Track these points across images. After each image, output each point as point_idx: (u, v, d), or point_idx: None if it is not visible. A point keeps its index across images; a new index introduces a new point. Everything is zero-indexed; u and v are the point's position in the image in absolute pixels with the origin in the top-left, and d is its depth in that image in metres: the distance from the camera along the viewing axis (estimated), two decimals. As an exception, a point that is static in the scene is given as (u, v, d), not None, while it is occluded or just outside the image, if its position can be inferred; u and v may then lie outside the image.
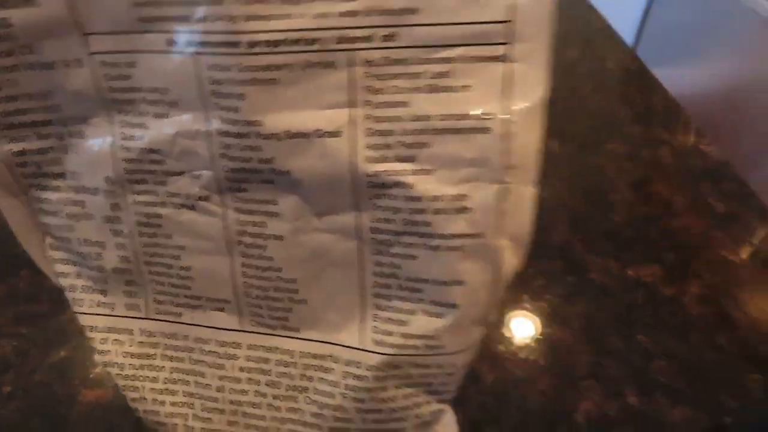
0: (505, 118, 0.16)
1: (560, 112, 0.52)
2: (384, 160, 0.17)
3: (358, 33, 0.16)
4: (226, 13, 0.16)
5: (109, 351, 0.21)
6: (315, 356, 0.20)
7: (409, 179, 0.17)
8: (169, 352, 0.21)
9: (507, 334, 0.35)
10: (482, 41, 0.16)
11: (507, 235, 0.18)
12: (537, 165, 0.17)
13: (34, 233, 0.21)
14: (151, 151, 0.18)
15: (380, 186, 0.17)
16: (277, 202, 0.18)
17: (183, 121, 0.18)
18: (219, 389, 0.21)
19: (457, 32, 0.16)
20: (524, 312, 0.36)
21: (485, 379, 0.32)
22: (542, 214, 0.44)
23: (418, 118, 0.17)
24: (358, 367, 0.20)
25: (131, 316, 0.21)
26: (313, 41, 0.16)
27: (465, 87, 0.16)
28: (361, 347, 0.19)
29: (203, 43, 0.16)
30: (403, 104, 0.16)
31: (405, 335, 0.19)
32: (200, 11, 0.16)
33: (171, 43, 0.17)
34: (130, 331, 0.21)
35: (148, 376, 0.21)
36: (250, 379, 0.21)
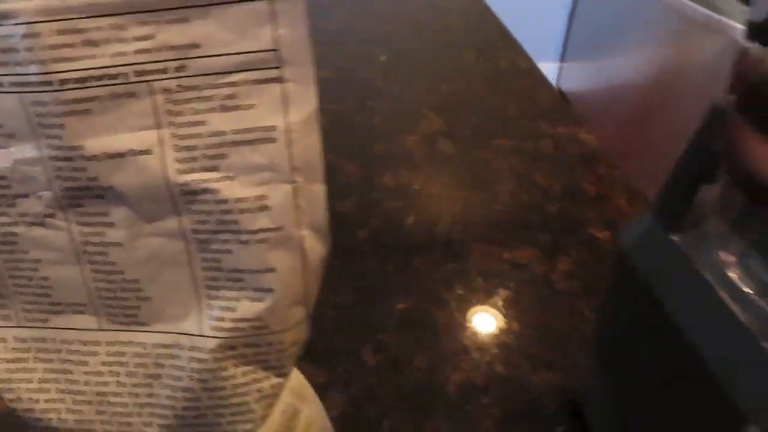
0: (287, 129, 0.20)
1: (454, 113, 0.56)
2: (192, 171, 0.20)
3: (153, 66, 0.19)
4: (38, 57, 0.19)
5: (-14, 359, 0.24)
6: (164, 346, 0.23)
7: (215, 185, 0.20)
8: (40, 355, 0.24)
9: (389, 320, 0.38)
10: (258, 67, 0.19)
11: (307, 227, 0.21)
12: (321, 165, 0.21)
13: None
14: (1, 178, 0.21)
15: (192, 193, 0.20)
16: (110, 213, 0.21)
17: (20, 150, 0.20)
18: (86, 383, 0.24)
19: (236, 60, 0.19)
20: (406, 297, 0.39)
21: (368, 361, 0.36)
22: (429, 208, 0.48)
23: (215, 134, 0.20)
24: (200, 352, 0.22)
25: (4, 325, 0.24)
26: (115, 76, 0.19)
27: (250, 105, 0.19)
28: (200, 334, 0.22)
29: (23, 84, 0.19)
30: (202, 123, 0.20)
31: (234, 320, 0.22)
32: (17, 57, 0.19)
33: (1, 84, 0.19)
34: (4, 339, 0.24)
35: (22, 378, 0.24)
36: (110, 371, 0.23)
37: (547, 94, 0.58)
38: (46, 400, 0.24)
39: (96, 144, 0.20)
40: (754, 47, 0.19)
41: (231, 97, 0.19)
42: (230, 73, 0.19)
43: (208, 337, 0.22)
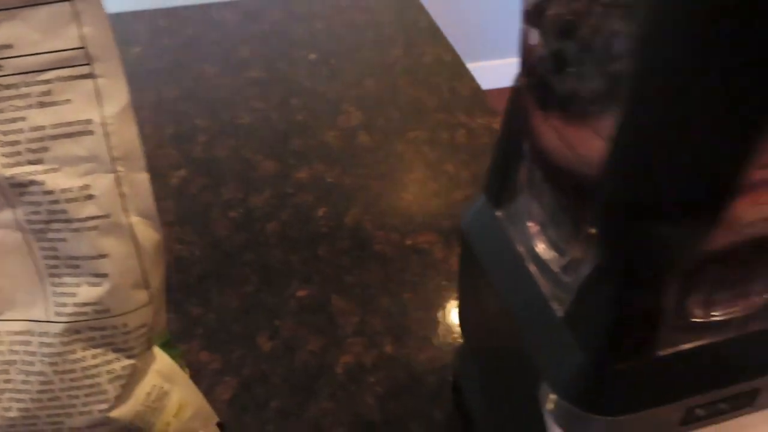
0: (103, 121, 0.21)
1: (375, 107, 0.57)
2: (17, 164, 0.21)
3: (-29, 67, 0.20)
4: None
5: None
6: (17, 333, 0.24)
7: (41, 177, 0.21)
8: None
9: (288, 307, 0.39)
10: (70, 64, 0.20)
11: (135, 213, 0.22)
12: (142, 155, 0.22)
13: None
14: None
15: (20, 185, 0.21)
16: (-49, 207, 0.22)
17: None
18: (-47, 372, 0.25)
19: (48, 59, 0.20)
20: (308, 285, 0.41)
21: (262, 346, 0.37)
22: (340, 200, 0.49)
23: (36, 129, 0.21)
24: (48, 337, 0.24)
25: None
26: (-63, 77, 0.20)
27: (66, 101, 0.21)
28: (47, 320, 0.24)
29: None
30: (22, 119, 0.21)
31: (76, 304, 0.23)
32: None
33: None
34: None
35: None
36: (-29, 359, 0.25)
37: (467, 87, 0.60)
38: None
39: (-73, 141, 0.21)
40: (533, 30, 0.20)
41: (47, 93, 0.21)
42: (44, 71, 0.20)
43: (54, 322, 0.24)
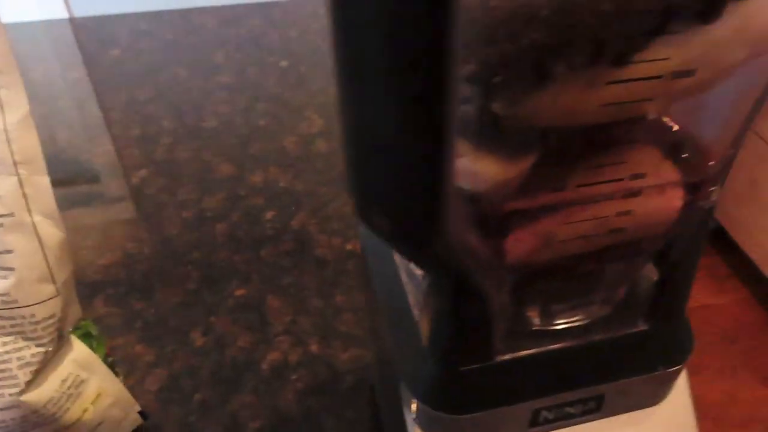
0: (5, 128, 0.23)
1: (336, 114, 0.59)
2: (-72, 165, 0.23)
3: None
4: None
5: None
6: (-63, 320, 0.26)
7: (-51, 178, 0.23)
8: None
9: (225, 305, 0.41)
10: (-27, 76, 0.22)
11: (38, 213, 0.24)
12: (42, 160, 0.24)
13: None
14: None
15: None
16: None
17: None
18: None
19: (-46, 71, 0.22)
20: (246, 285, 0.42)
21: (195, 341, 0.39)
22: (290, 204, 0.51)
23: (-54, 133, 0.23)
24: (-38, 323, 0.26)
25: None
26: None
27: (-28, 110, 0.23)
28: (-38, 308, 0.26)
29: None
30: (-68, 123, 0.23)
31: (-13, 295, 0.25)
32: None
33: None
34: None
35: None
36: None
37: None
38: None
39: None
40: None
41: (-46, 102, 0.23)
42: (-49, 83, 0.22)
43: (-33, 310, 0.26)
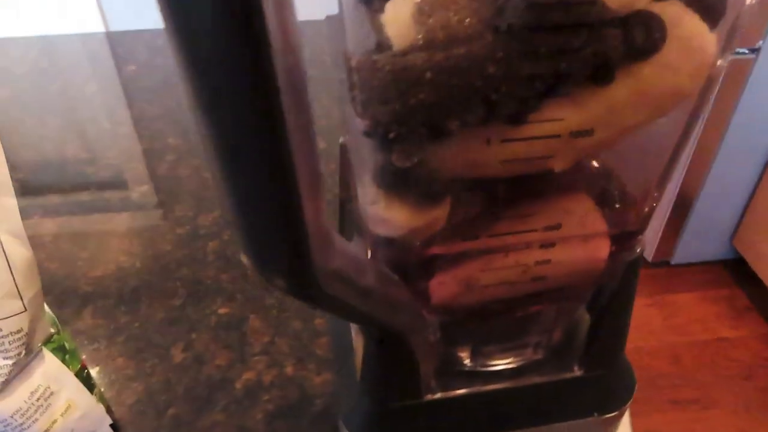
0: (-25, 153, 0.24)
1: (335, 140, 0.60)
2: None
3: None
4: None
5: None
6: None
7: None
8: None
9: (207, 322, 0.42)
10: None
11: (4, 232, 0.25)
12: (9, 182, 0.25)
13: None
14: None
15: None
16: None
17: None
18: None
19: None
20: (230, 303, 0.43)
21: (174, 357, 0.40)
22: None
23: None
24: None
25: None
26: None
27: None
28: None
29: None
30: None
31: (-43, 308, 0.26)
32: None
33: None
34: None
35: None
36: None
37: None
38: None
39: None
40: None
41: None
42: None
43: (-60, 323, 0.27)
